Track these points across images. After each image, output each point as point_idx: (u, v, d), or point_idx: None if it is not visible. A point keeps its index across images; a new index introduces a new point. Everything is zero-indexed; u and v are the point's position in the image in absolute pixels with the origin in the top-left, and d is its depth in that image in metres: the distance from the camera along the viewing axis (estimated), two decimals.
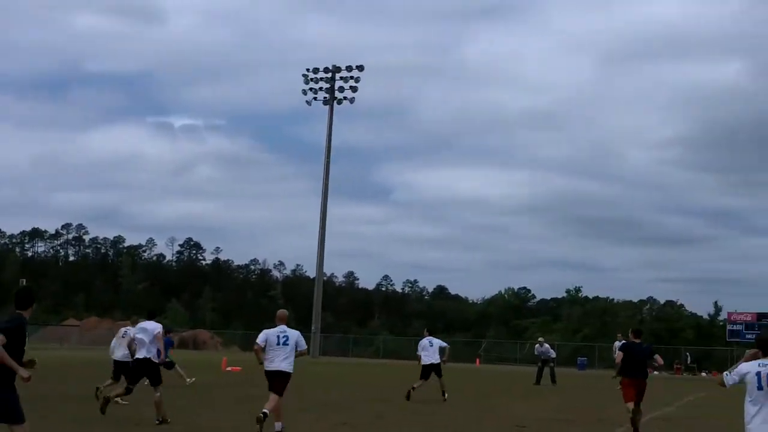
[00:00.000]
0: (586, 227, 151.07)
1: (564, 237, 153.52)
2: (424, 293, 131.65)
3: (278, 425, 12.73)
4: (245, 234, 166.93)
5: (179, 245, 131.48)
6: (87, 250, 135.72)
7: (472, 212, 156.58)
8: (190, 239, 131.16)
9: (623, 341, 33.75)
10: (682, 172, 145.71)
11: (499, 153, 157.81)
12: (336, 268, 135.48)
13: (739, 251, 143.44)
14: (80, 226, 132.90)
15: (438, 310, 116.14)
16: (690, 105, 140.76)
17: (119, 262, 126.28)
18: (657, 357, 15.75)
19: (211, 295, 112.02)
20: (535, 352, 35.07)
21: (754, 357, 7.74)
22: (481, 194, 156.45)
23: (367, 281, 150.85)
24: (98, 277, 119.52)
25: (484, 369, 53.37)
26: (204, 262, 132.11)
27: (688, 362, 65.12)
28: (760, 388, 7.27)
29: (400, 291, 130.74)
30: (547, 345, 34.55)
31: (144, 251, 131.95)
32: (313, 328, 58.64)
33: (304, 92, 61.53)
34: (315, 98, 61.32)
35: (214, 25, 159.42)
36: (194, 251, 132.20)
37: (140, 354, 14.24)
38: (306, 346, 13.45)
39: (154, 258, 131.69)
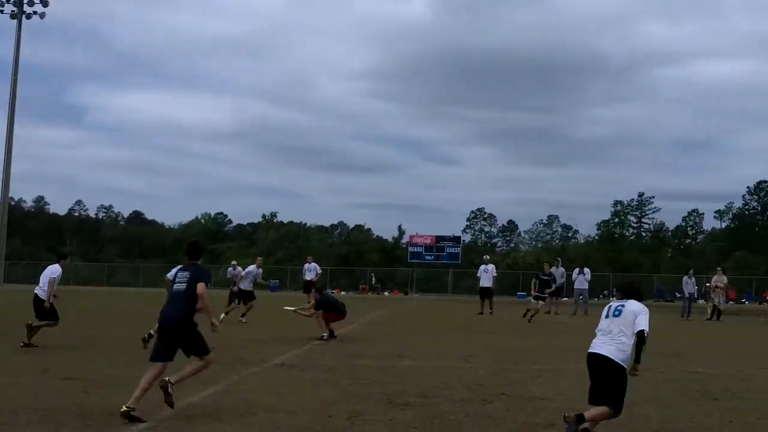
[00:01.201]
0: (282, 154, 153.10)
1: (260, 163, 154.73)
2: (119, 218, 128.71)
3: None
4: None
5: None
6: None
7: (168, 137, 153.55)
8: None
9: (312, 262, 36.12)
10: (372, 102, 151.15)
11: (197, 78, 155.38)
12: (24, 193, 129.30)
13: (422, 179, 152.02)
14: None
15: (134, 235, 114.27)
16: (378, 38, 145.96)
17: None
18: None
19: None
20: (228, 275, 36.05)
21: None
22: (178, 119, 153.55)
23: (59, 206, 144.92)
24: None
25: None
26: None
27: (373, 282, 69.24)
28: (606, 317, 8.56)
29: (94, 216, 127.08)
30: (240, 268, 35.57)
31: None
32: None
33: None
34: (2, 11, 57.69)
35: None
36: None
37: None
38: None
39: None
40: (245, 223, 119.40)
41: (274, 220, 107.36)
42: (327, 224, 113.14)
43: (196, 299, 9.26)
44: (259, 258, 29.65)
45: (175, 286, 9.33)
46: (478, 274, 33.25)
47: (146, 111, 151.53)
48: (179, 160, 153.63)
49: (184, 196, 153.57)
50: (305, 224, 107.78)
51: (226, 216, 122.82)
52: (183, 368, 9.31)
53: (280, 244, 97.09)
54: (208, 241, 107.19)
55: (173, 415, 8.95)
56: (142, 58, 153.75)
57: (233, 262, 37.74)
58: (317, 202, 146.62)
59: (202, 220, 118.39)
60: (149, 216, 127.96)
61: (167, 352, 9.13)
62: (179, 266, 11.04)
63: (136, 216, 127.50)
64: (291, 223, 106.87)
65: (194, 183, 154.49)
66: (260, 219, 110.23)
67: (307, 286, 33.87)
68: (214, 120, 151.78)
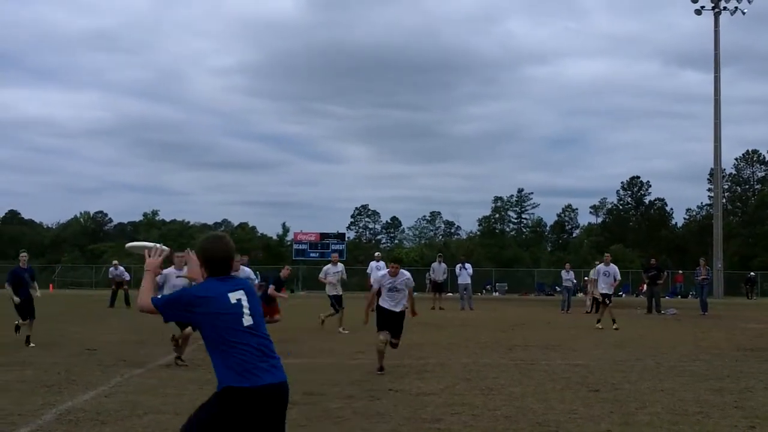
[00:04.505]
0: (159, 151, 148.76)
1: (137, 161, 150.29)
2: None
3: None
4: None
5: None
6: None
7: (39, 134, 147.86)
8: None
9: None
10: (246, 98, 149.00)
11: (63, 73, 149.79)
12: None
13: (302, 176, 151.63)
14: None
15: (12, 235, 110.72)
16: (250, 34, 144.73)
17: None
18: None
19: None
20: (110, 275, 35.43)
21: None
22: (48, 116, 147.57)
23: None
24: None
25: (58, 294, 52.45)
26: None
27: (259, 281, 68.76)
28: None
29: None
30: (121, 268, 35.05)
31: None
32: None
33: None
34: None
35: None
36: None
37: None
38: None
39: None
40: (126, 222, 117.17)
41: (156, 219, 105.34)
42: (211, 222, 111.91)
43: None
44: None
45: None
46: (368, 271, 33.15)
47: (13, 107, 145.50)
48: (53, 158, 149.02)
49: (61, 195, 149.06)
50: (188, 222, 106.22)
51: (106, 215, 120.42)
52: None
53: (163, 242, 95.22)
54: (87, 241, 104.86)
55: (54, 419, 8.74)
56: (11, 54, 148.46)
57: (114, 262, 37.15)
58: (198, 200, 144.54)
59: (81, 219, 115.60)
60: (26, 215, 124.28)
61: None
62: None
63: (13, 215, 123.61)
64: (174, 221, 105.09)
65: (72, 181, 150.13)
66: (141, 218, 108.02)
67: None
68: (86, 116, 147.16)
